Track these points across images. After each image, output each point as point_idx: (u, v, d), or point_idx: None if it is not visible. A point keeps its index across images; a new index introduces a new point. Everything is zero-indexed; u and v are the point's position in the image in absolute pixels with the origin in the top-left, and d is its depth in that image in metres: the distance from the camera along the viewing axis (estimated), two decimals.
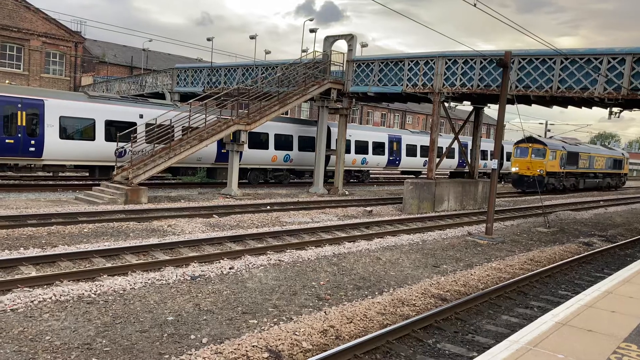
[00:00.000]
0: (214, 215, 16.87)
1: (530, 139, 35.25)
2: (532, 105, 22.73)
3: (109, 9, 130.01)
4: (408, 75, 23.23)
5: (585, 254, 14.69)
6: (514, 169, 35.60)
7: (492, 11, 14.02)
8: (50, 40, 41.82)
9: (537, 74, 19.75)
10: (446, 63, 22.10)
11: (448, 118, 25.34)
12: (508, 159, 43.34)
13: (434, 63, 22.44)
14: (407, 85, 23.27)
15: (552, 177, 35.74)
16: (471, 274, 11.45)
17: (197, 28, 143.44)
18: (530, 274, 11.51)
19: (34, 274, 9.31)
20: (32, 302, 7.70)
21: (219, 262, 10.94)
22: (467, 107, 28.61)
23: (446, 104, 24.34)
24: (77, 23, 44.16)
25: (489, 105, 26.81)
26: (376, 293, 9.66)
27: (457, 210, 23.58)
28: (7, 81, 36.82)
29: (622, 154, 49.69)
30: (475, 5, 12.75)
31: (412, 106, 57.97)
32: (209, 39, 36.58)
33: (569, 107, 22.66)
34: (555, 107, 22.78)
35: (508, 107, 17.89)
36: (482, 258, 13.79)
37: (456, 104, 29.83)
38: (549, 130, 65.03)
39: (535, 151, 34.74)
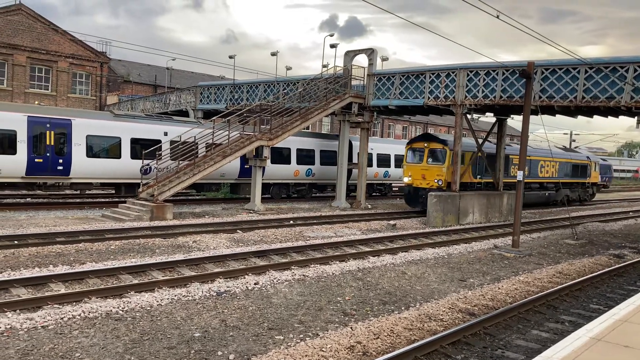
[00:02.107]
0: (237, 231, 16.94)
1: (426, 137, 26.02)
2: (557, 115, 22.42)
3: (134, 29, 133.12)
4: (429, 87, 23.16)
5: (617, 266, 14.34)
6: (406, 179, 25.37)
7: (514, 22, 13.94)
8: (77, 61, 42.82)
9: (561, 84, 19.51)
10: (468, 75, 21.99)
11: (471, 130, 25.16)
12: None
13: (455, 75, 22.35)
14: (429, 97, 23.19)
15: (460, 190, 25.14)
16: (499, 288, 11.26)
17: (222, 46, 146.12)
18: (559, 287, 11.27)
19: (63, 291, 9.44)
20: (61, 319, 7.80)
21: (244, 278, 10.96)
22: (490, 118, 28.39)
23: (468, 116, 24.24)
24: (103, 44, 45.17)
25: (512, 116, 26.56)
26: (402, 308, 9.56)
27: (482, 223, 23.28)
28: (36, 102, 37.76)
29: (588, 157, 38.47)
30: (498, 17, 12.69)
31: (434, 118, 57.79)
32: (231, 57, 37.06)
33: (595, 116, 22.30)
34: (580, 117, 22.43)
35: (532, 117, 17.68)
36: (510, 271, 13.56)
37: (479, 115, 29.71)
38: (574, 141, 64.13)
39: (432, 153, 24.77)
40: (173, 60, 46.04)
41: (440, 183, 24.03)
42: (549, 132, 33.41)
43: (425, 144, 24.94)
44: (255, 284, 10.47)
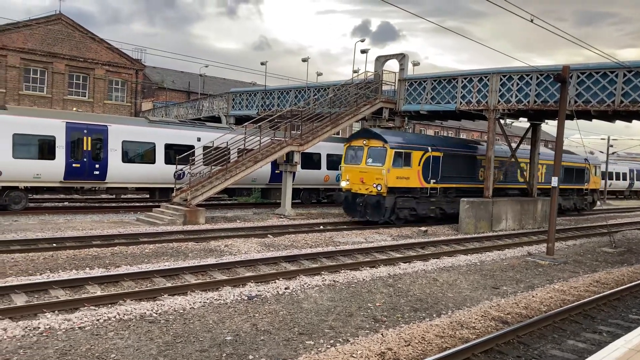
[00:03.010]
0: (268, 235, 17.06)
1: (365, 133, 22.16)
2: (593, 120, 21.92)
3: (168, 37, 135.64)
4: (462, 92, 22.93)
5: None
6: (343, 184, 21.84)
7: (549, 26, 13.72)
8: (113, 68, 43.89)
9: (598, 87, 19.07)
10: (501, 79, 21.70)
11: (504, 135, 24.79)
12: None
13: (488, 80, 22.08)
14: (461, 102, 22.96)
15: (407, 196, 21.47)
16: (533, 296, 11.04)
17: (255, 52, 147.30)
18: (597, 296, 10.98)
19: (99, 293, 9.67)
20: (97, 320, 7.99)
21: (275, 282, 11.03)
22: (523, 123, 27.93)
23: (501, 121, 23.87)
24: (138, 51, 46.16)
25: (546, 121, 26.06)
26: (434, 315, 9.47)
27: (516, 230, 22.88)
28: (74, 108, 38.84)
29: (586, 160, 32.89)
30: (532, 20, 12.51)
31: (466, 123, 57.13)
32: (262, 63, 37.43)
33: (634, 121, 21.72)
34: (618, 122, 21.90)
35: (567, 122, 17.34)
36: (544, 279, 13.29)
37: (512, 120, 29.19)
38: (611, 146, 62.43)
39: (371, 153, 21.09)
40: (206, 67, 46.76)
41: (379, 188, 20.29)
42: (584, 137, 31.26)
43: (365, 142, 21.30)
44: (285, 288, 10.52)
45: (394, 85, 25.81)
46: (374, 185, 20.52)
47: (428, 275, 12.77)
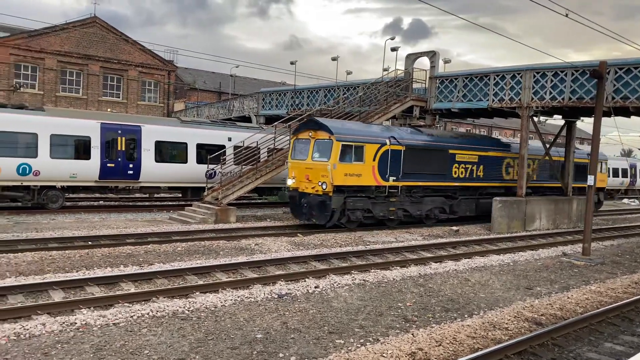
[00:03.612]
0: (298, 234, 17.11)
1: (311, 123, 19.06)
2: (632, 117, 21.28)
3: (200, 38, 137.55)
4: (494, 90, 22.56)
5: None
6: (289, 182, 19.25)
7: (585, 20, 13.38)
8: (146, 69, 44.68)
9: (637, 83, 18.51)
10: (534, 76, 21.26)
11: (538, 133, 24.31)
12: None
13: (521, 77, 21.66)
14: (493, 100, 22.60)
15: (359, 196, 18.65)
16: (568, 297, 10.79)
17: (285, 52, 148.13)
18: (635, 298, 10.66)
19: (132, 290, 9.86)
20: (131, 317, 8.14)
21: (305, 281, 11.05)
22: (558, 120, 27.31)
23: (535, 118, 23.40)
24: (170, 52, 46.88)
25: (582, 118, 25.43)
26: (465, 315, 9.34)
27: (550, 230, 22.40)
28: (108, 109, 39.68)
29: (589, 155, 28.04)
30: (567, 15, 12.22)
31: (499, 121, 56.26)
32: (292, 63, 37.56)
33: None
34: None
35: (604, 119, 16.88)
36: (580, 280, 12.97)
37: (546, 118, 28.59)
38: None
39: (318, 146, 18.41)
40: (236, 67, 47.18)
41: (324, 187, 17.65)
42: (623, 135, 29.28)
43: (311, 134, 18.59)
44: (315, 287, 10.54)
45: (425, 83, 25.55)
46: (319, 184, 17.84)
47: (460, 275, 12.62)
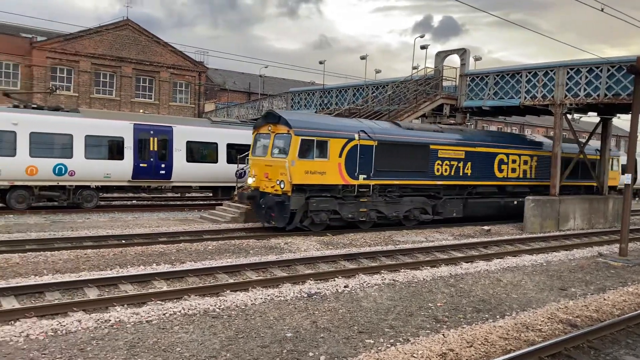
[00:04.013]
0: (327, 234, 17.11)
1: (270, 116, 17.53)
2: None
3: (230, 39, 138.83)
4: (526, 87, 22.16)
5: None
6: (250, 180, 17.94)
7: (621, 14, 13.03)
8: (177, 71, 45.37)
9: None
10: (568, 73, 20.80)
11: (572, 130, 23.77)
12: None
13: (554, 73, 21.22)
14: (525, 97, 22.20)
15: (324, 196, 17.06)
16: (604, 299, 10.53)
17: (314, 51, 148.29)
18: None
19: (165, 288, 10.02)
20: (164, 314, 8.27)
21: (334, 280, 11.05)
22: (593, 117, 26.65)
23: (569, 116, 22.88)
24: (201, 54, 47.49)
25: (618, 115, 24.78)
26: (497, 316, 9.20)
27: (585, 229, 21.89)
28: (141, 110, 40.43)
29: (597, 151, 25.83)
30: (602, 10, 11.92)
31: (531, 119, 55.26)
32: (321, 62, 37.55)
33: None
34: None
35: None
36: (617, 281, 12.64)
37: (580, 115, 27.92)
38: None
39: (278, 141, 17.06)
40: (265, 67, 47.50)
41: (282, 186, 16.27)
42: None
43: (270, 128, 17.23)
44: (345, 286, 10.53)
45: (455, 81, 25.27)
46: (277, 182, 16.49)
47: (491, 275, 12.44)
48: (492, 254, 15.10)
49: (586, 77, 20.27)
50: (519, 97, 22.40)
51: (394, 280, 11.34)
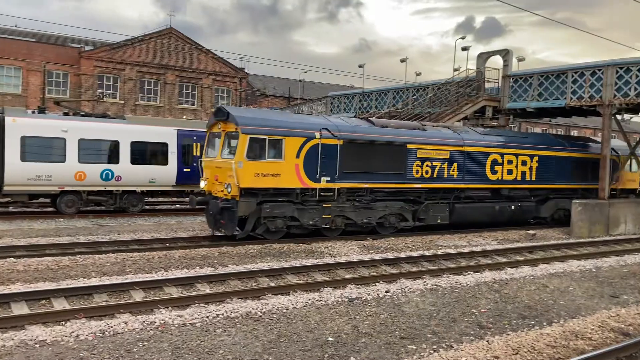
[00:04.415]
0: (367, 238, 17.03)
1: (219, 113, 15.92)
2: None
3: (271, 45, 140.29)
4: (572, 87, 21.55)
5: None
6: (202, 184, 16.42)
7: None
8: (219, 77, 46.15)
9: None
10: (617, 72, 20.12)
11: (621, 132, 22.97)
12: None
13: (602, 73, 20.56)
14: (571, 98, 21.58)
15: (280, 201, 15.56)
16: None
17: (354, 55, 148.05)
18: None
19: (208, 291, 10.17)
20: (207, 317, 8.39)
21: (375, 285, 10.98)
22: None
23: (618, 116, 22.11)
24: (242, 60, 48.23)
25: None
26: (544, 323, 8.94)
27: (637, 234, 21.05)
28: (184, 116, 41.29)
29: (613, 150, 23.22)
30: None
31: (577, 120, 53.58)
32: (360, 66, 37.57)
33: None
34: None
35: None
36: None
37: (631, 115, 26.97)
38: None
39: (228, 140, 15.69)
40: (305, 72, 47.82)
41: (229, 190, 14.84)
42: None
43: (220, 126, 15.81)
44: (386, 291, 10.44)
45: (498, 83, 24.82)
46: (225, 186, 15.07)
47: (537, 281, 12.11)
48: (537, 259, 14.70)
49: (637, 76, 19.56)
50: (565, 98, 21.81)
51: (436, 285, 11.18)
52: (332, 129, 16.24)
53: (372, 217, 17.29)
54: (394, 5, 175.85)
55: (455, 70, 28.34)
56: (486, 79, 25.03)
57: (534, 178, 21.09)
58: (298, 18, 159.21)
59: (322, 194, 16.07)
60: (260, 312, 8.80)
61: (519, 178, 20.61)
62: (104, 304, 9.04)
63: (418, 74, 39.06)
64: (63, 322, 7.94)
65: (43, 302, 9.06)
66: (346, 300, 9.74)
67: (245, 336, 7.67)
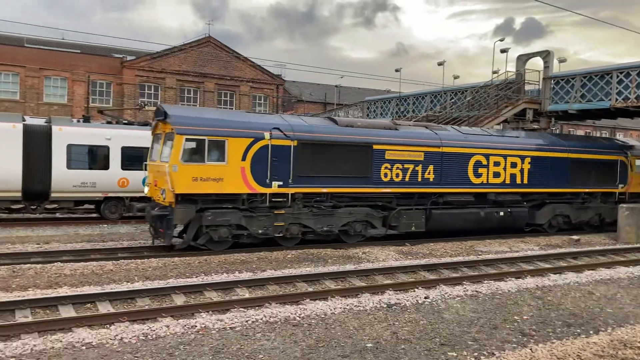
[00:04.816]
0: (406, 244, 16.88)
1: (158, 113, 15.10)
2: None
3: (307, 51, 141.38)
4: (617, 88, 20.90)
5: None
6: (145, 190, 15.74)
7: None
8: (256, 84, 46.75)
9: None
10: None
11: None
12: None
13: None
14: (617, 99, 20.94)
15: (224, 208, 14.30)
16: None
17: (391, 60, 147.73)
18: None
19: (247, 295, 10.26)
20: (246, 321, 8.47)
21: (414, 291, 10.87)
22: None
23: None
24: (278, 67, 48.71)
25: None
26: (590, 332, 8.67)
27: None
28: None
29: (622, 149, 22.17)
30: None
31: (623, 122, 51.94)
32: (397, 70, 37.40)
33: None
34: None
35: None
36: None
37: None
38: None
39: (167, 142, 14.41)
40: (341, 78, 47.94)
41: (164, 196, 13.78)
42: None
43: (160, 126, 14.97)
44: (425, 297, 10.32)
45: (538, 85, 24.31)
46: (161, 192, 13.94)
47: (582, 287, 11.75)
48: (582, 265, 14.27)
49: None
50: (609, 99, 21.17)
51: (476, 291, 10.99)
52: (285, 129, 14.87)
53: (334, 224, 15.82)
54: (430, 9, 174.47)
55: (494, 72, 27.88)
56: (526, 81, 24.54)
57: (526, 181, 19.14)
58: (334, 24, 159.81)
59: (274, 199, 14.81)
60: (299, 317, 8.83)
61: (507, 181, 18.71)
62: (146, 307, 9.24)
63: (456, 77, 38.67)
64: (108, 325, 8.15)
65: (88, 305, 9.33)
66: (385, 306, 9.68)
67: (284, 341, 7.71)
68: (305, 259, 14.08)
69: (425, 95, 30.38)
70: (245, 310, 9.16)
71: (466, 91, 27.07)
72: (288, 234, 15.23)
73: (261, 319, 8.59)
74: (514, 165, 18.78)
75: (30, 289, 10.28)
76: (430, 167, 17.08)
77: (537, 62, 24.74)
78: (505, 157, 18.59)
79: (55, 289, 10.32)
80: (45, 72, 39.73)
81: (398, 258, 14.71)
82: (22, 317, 8.52)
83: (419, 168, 16.89)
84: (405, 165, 16.65)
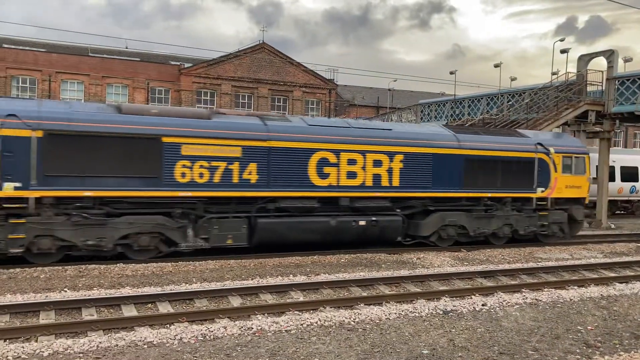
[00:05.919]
0: (462, 249, 16.56)
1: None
2: None
3: (360, 55, 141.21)
4: None
5: None
6: None
7: None
8: (309, 89, 47.11)
9: None
10: None
11: None
12: None
13: None
14: None
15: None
16: None
17: (446, 62, 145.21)
18: None
19: (301, 299, 10.34)
20: (301, 325, 8.52)
21: (471, 298, 10.64)
22: None
23: None
24: (331, 71, 48.89)
25: None
26: None
27: None
28: None
29: (540, 145, 17.61)
30: None
31: None
32: (451, 73, 36.86)
33: None
34: None
35: None
36: None
37: None
38: None
39: None
40: (394, 81, 47.65)
41: None
42: None
43: None
44: (482, 305, 10.08)
45: (601, 85, 23.36)
46: None
47: None
48: None
49: None
50: None
51: (536, 299, 10.64)
52: (25, 116, 11.98)
53: (109, 237, 12.76)
54: (487, 9, 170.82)
55: (553, 74, 27.05)
56: (588, 82, 23.63)
57: (396, 183, 15.67)
58: (388, 27, 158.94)
59: (8, 205, 11.92)
60: (354, 321, 8.81)
61: (368, 183, 15.30)
62: (204, 308, 9.46)
63: (513, 79, 37.80)
64: (168, 325, 8.39)
65: (149, 305, 9.65)
66: (441, 312, 9.52)
67: (339, 345, 7.71)
68: (359, 264, 14.05)
69: (482, 98, 29.75)
70: (300, 313, 9.24)
71: (524, 93, 26.32)
72: (36, 249, 12.18)
73: (316, 323, 8.62)
74: (377, 163, 15.37)
75: (95, 289, 10.73)
76: (252, 166, 14.03)
77: (600, 62, 23.80)
78: (364, 153, 15.20)
79: (118, 289, 10.72)
80: (107, 80, 41.48)
81: (454, 264, 14.45)
82: (88, 315, 8.91)
83: (235, 166, 13.82)
84: (213, 163, 13.62)
